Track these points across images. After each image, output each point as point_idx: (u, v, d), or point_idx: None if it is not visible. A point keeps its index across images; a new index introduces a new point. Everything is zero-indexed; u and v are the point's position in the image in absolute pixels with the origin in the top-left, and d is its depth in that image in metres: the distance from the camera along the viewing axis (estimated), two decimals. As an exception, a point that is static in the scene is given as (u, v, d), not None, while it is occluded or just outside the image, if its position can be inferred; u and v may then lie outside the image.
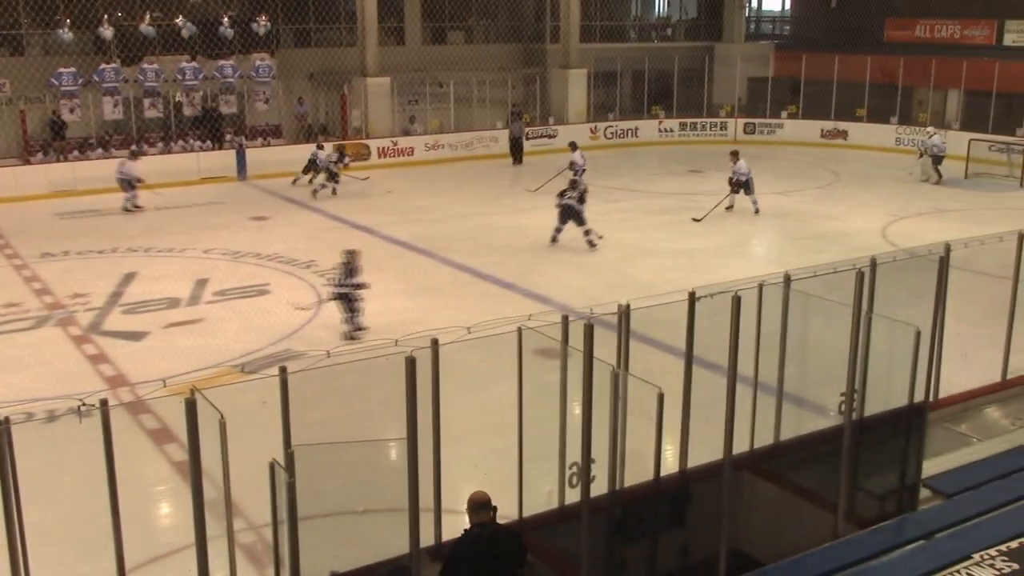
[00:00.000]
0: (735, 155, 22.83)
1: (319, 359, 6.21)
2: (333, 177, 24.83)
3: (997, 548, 6.04)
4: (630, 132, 33.01)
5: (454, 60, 31.71)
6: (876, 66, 32.61)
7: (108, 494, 5.63)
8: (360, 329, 14.03)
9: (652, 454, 7.26)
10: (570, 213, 19.27)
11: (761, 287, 8.08)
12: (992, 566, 5.78)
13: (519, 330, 7.44)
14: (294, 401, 6.26)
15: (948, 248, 9.30)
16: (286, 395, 6.21)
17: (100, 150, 26.83)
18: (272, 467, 5.84)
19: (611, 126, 33.10)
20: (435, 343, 6.53)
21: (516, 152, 30.03)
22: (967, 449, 9.04)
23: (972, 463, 8.42)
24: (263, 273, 17.60)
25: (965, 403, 10.22)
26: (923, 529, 6.94)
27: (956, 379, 10.37)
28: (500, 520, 7.25)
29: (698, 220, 21.75)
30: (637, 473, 7.53)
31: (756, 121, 34.27)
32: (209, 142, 27.94)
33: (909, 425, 8.08)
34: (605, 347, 7.55)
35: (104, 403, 5.51)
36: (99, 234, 20.76)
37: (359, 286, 14.03)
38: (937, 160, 26.52)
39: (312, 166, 25.29)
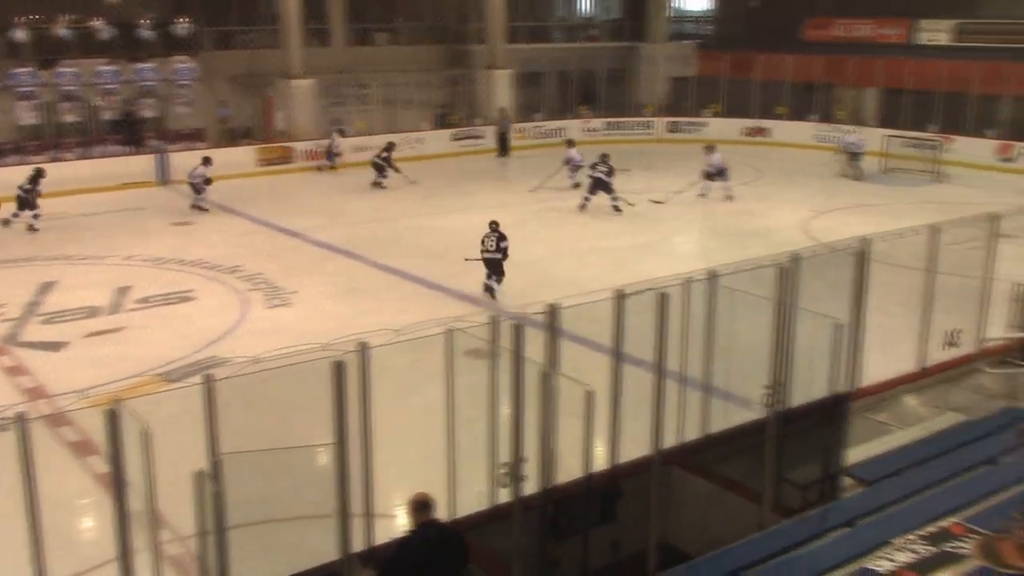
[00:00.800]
0: (710, 148, 24.61)
1: (245, 366, 6.16)
2: (380, 170, 25.82)
3: (916, 532, 6.19)
4: (556, 132, 33.16)
5: (379, 61, 31.55)
6: (796, 65, 33.27)
7: (28, 509, 5.49)
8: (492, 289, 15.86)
9: (582, 452, 7.32)
10: (600, 184, 22.54)
11: (687, 284, 8.23)
12: (911, 550, 5.93)
13: (448, 332, 7.45)
14: (220, 409, 6.17)
15: (867, 242, 9.54)
16: (211, 403, 6.11)
17: (16, 156, 26.09)
18: (198, 476, 5.76)
19: (538, 126, 33.24)
20: (364, 347, 6.50)
21: (503, 145, 31.72)
22: (887, 437, 9.26)
23: (892, 451, 8.63)
24: (187, 279, 17.31)
25: (884, 392, 10.49)
26: (846, 516, 7.09)
27: (876, 369, 10.56)
28: (431, 523, 7.26)
29: (659, 202, 23.01)
30: (568, 471, 7.58)
31: (680, 120, 34.71)
32: (129, 146, 27.36)
33: (831, 415, 8.27)
34: (534, 347, 7.58)
35: (22, 416, 5.37)
36: (16, 243, 20.20)
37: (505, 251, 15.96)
38: (855, 157, 27.21)
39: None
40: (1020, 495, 6.30)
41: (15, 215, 21.45)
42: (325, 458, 6.70)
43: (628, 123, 34.42)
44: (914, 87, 30.72)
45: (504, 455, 7.32)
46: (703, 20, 42.88)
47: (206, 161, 23.97)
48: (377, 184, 25.92)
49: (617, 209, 22.33)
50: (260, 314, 15.38)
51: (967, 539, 5.86)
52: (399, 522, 7.64)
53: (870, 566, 5.80)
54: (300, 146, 28.59)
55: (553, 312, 7.91)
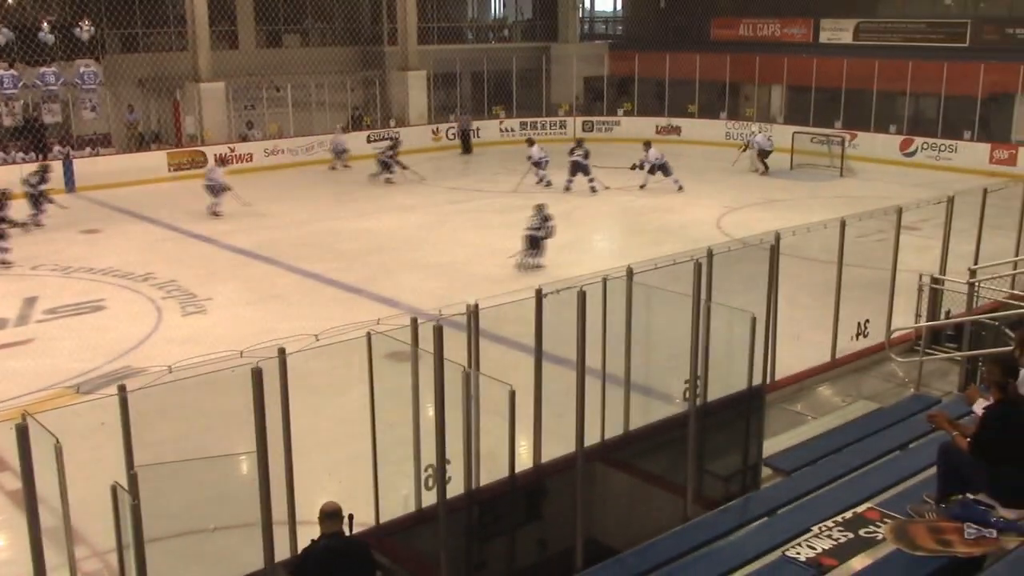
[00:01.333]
0: (647, 145, 25.76)
1: (160, 375, 6.00)
2: (387, 167, 26.35)
3: (833, 519, 6.34)
4: (472, 133, 33.15)
5: (291, 63, 31.10)
6: (704, 64, 33.82)
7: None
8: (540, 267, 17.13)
9: (507, 451, 7.31)
10: (578, 167, 24.73)
11: (605, 281, 8.28)
12: (830, 536, 6.07)
13: (368, 335, 7.39)
14: (135, 420, 6.02)
15: (778, 237, 9.73)
16: (127, 414, 5.97)
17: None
18: (114, 490, 5.61)
19: (452, 127, 33.18)
20: (282, 352, 6.40)
21: (465, 144, 32.14)
22: (803, 427, 9.50)
23: (808, 440, 8.84)
24: (97, 288, 16.84)
25: (799, 383, 10.75)
26: (766, 506, 7.22)
27: (790, 361, 10.87)
28: (357, 527, 7.19)
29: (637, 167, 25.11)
30: (493, 471, 7.58)
31: (594, 119, 35.00)
32: (32, 153, 26.49)
33: (749, 408, 8.43)
34: (456, 347, 7.58)
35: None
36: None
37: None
38: (763, 154, 27.79)
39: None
40: (930, 479, 6.47)
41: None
42: (246, 467, 6.59)
43: (543, 123, 34.57)
44: (819, 85, 31.48)
45: (428, 457, 7.30)
46: (614, 20, 43.33)
47: (222, 161, 24.22)
48: (388, 180, 26.44)
49: (593, 190, 24.84)
50: (175, 322, 15.04)
51: (882, 524, 6.02)
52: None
53: (790, 554, 5.91)
54: (212, 150, 28.05)
55: (473, 312, 7.93)
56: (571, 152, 25.43)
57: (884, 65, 29.95)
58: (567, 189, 24.84)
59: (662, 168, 25.12)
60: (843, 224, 11.04)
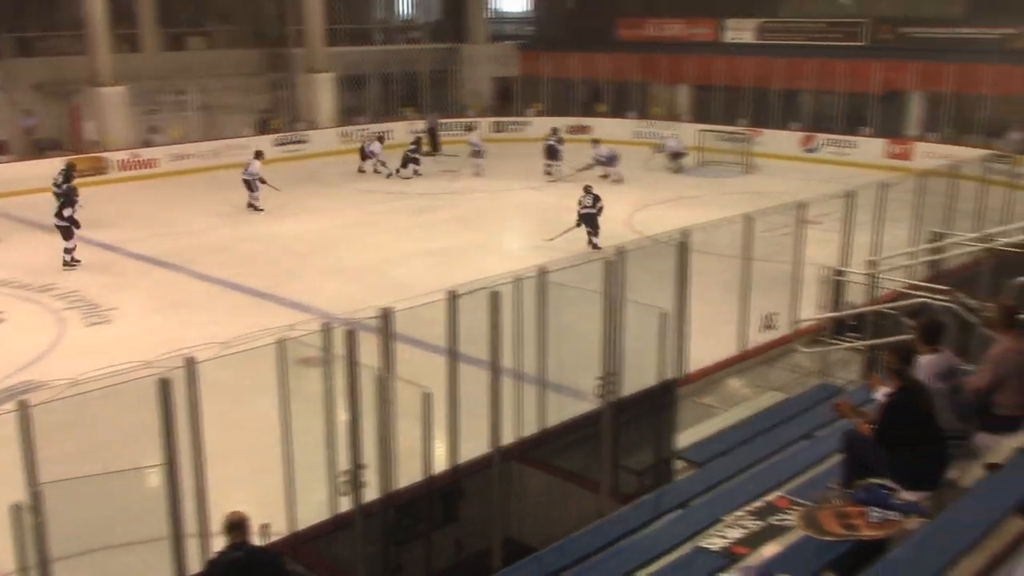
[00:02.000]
0: (596, 142, 27.09)
1: (63, 389, 5.86)
2: (414, 161, 27.51)
3: (744, 509, 6.46)
4: (383, 135, 32.92)
5: (195, 67, 30.47)
6: (612, 64, 34.18)
7: None
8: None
9: (422, 454, 7.31)
10: (552, 152, 27.10)
11: (518, 281, 8.34)
12: (741, 525, 6.19)
13: (280, 341, 7.31)
14: (38, 436, 5.84)
15: (687, 233, 9.91)
16: (28, 430, 5.78)
17: None
18: (15, 509, 5.44)
19: (362, 129, 32.87)
20: (190, 362, 6.29)
21: (433, 143, 32.00)
22: (714, 419, 9.67)
23: (719, 432, 8.94)
24: (-5, 300, 16.30)
25: (710, 376, 10.97)
26: (679, 498, 7.31)
27: (700, 354, 11.05)
28: (273, 536, 7.10)
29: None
30: (409, 474, 7.59)
31: (504, 120, 35.09)
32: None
33: (661, 402, 8.58)
34: (369, 351, 7.56)
35: None
36: None
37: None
38: (676, 156, 28.20)
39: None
40: (835, 466, 6.64)
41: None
42: (156, 479, 6.46)
43: (453, 124, 34.52)
44: (724, 83, 32.08)
45: (343, 463, 7.24)
46: (522, 21, 43.52)
47: (258, 155, 23.97)
48: (417, 173, 27.54)
49: (548, 174, 26.92)
50: (78, 333, 14.64)
51: (791, 512, 6.15)
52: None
53: (704, 544, 6.01)
54: (114, 156, 27.34)
55: (386, 315, 7.89)
56: (547, 139, 27.65)
57: (786, 64, 30.69)
58: (547, 174, 26.82)
59: (611, 161, 26.24)
60: (749, 219, 11.30)
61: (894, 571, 5.18)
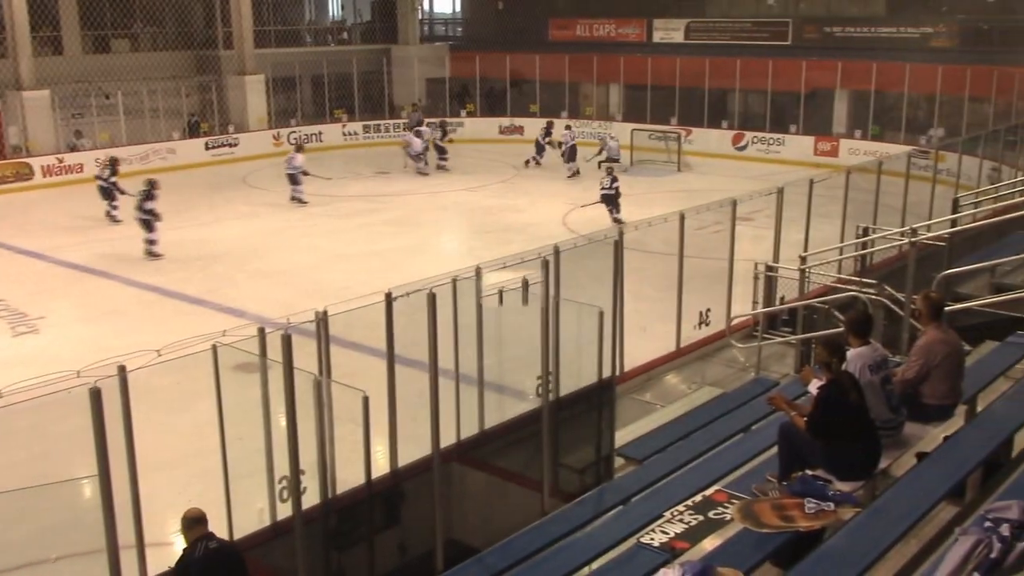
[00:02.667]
0: (568, 127, 28.50)
1: (-10, 400, 5.70)
2: (442, 153, 28.45)
3: (684, 503, 6.54)
4: (314, 137, 32.62)
5: (120, 70, 29.89)
6: (544, 64, 34.34)
7: None
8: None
9: (363, 458, 7.24)
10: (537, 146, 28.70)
11: (455, 281, 8.32)
12: (681, 520, 6.25)
13: (214, 347, 7.20)
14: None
15: (621, 232, 9.99)
16: (-47, 444, 5.63)
17: None
18: (-58, 525, 5.29)
19: (294, 132, 32.53)
20: (122, 370, 6.17)
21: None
22: (653, 416, 9.74)
23: (658, 428, 9.07)
24: (-85, 311, 15.80)
25: (647, 373, 11.05)
26: (620, 495, 7.38)
27: (638, 352, 11.18)
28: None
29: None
30: (349, 479, 7.51)
31: (437, 120, 34.98)
32: None
33: (600, 400, 8.59)
34: (306, 356, 7.47)
35: None
36: None
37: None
38: (611, 160, 28.11)
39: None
40: (772, 459, 6.75)
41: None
42: (89, 491, 6.33)
43: (386, 126, 34.35)
44: (654, 83, 32.37)
45: (282, 469, 7.16)
46: (453, 22, 43.48)
47: (299, 148, 24.48)
48: (441, 167, 28.48)
49: (526, 164, 28.72)
50: (4, 343, 14.27)
51: (729, 505, 6.23)
52: (175, 549, 7.29)
53: (645, 540, 6.06)
54: (38, 161, 26.67)
55: (322, 319, 7.82)
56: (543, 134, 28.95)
57: (714, 63, 31.10)
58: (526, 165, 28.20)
59: (571, 152, 27.24)
60: (682, 217, 11.42)
61: (830, 561, 5.27)
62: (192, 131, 30.61)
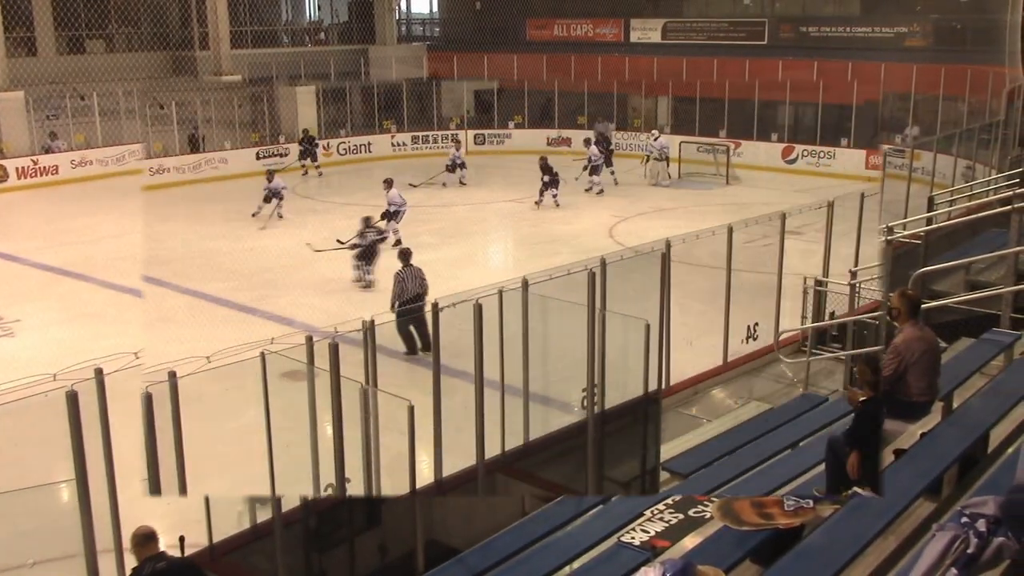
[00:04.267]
0: (587, 142, 28.81)
1: (-35, 405, 6.22)
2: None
3: (663, 502, 7.16)
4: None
5: (96, 71, 31.07)
6: (522, 64, 36.09)
7: None
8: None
9: (407, 467, 7.86)
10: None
11: (501, 293, 9.08)
12: (662, 519, 6.84)
13: (262, 355, 7.94)
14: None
15: (668, 244, 10.83)
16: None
17: None
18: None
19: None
20: (99, 373, 6.81)
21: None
22: (699, 430, 10.49)
23: (704, 443, 9.66)
24: None
25: (694, 387, 11.86)
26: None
27: (684, 366, 11.91)
28: (190, 548, 7.65)
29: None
30: (394, 487, 8.35)
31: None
32: None
33: (646, 413, 9.42)
34: (353, 364, 8.33)
35: None
36: None
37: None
38: (667, 162, 29.44)
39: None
40: (818, 476, 7.31)
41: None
42: (67, 495, 6.98)
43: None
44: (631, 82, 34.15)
45: (328, 476, 7.94)
46: (431, 22, 45.02)
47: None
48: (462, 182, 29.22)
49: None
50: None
51: (709, 504, 6.94)
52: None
53: (625, 539, 6.72)
54: (13, 163, 27.89)
55: (369, 328, 8.58)
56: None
57: (691, 63, 33.22)
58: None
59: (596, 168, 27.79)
60: (730, 230, 12.26)
61: (809, 557, 5.66)
62: (193, 146, 31.64)
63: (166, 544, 6.84)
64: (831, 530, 5.90)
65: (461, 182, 29.32)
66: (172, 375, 7.31)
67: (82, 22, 33.64)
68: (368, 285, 18.22)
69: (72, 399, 6.37)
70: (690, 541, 6.37)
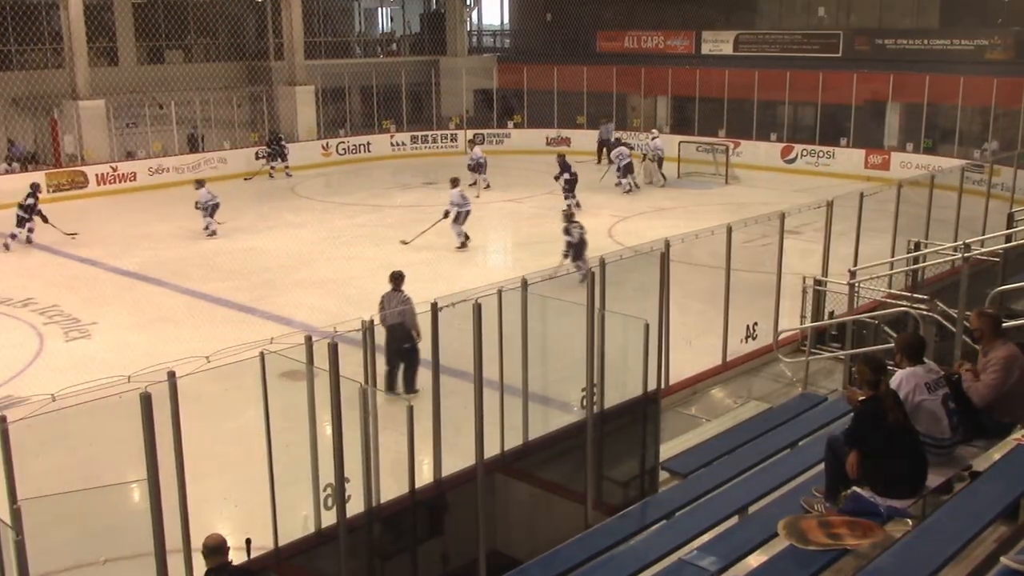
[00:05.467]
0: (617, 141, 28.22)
1: (44, 404, 5.80)
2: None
3: (730, 519, 6.46)
4: (362, 147, 32.93)
5: (174, 80, 30.37)
6: (592, 76, 34.34)
7: None
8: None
9: (407, 467, 7.23)
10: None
11: (500, 292, 8.32)
12: (726, 537, 6.18)
13: (262, 354, 7.26)
14: (17, 452, 5.79)
15: (668, 244, 9.95)
16: (7, 446, 5.73)
17: None
18: (-5, 526, 5.39)
19: (343, 142, 32.88)
20: (172, 376, 6.25)
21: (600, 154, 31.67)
22: (698, 429, 9.71)
23: (703, 442, 8.98)
24: (-27, 316, 16.14)
25: (693, 387, 11.01)
26: (664, 510, 7.31)
27: (683, 365, 11.12)
28: (256, 551, 7.06)
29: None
30: (393, 488, 7.51)
31: (484, 131, 35.13)
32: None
33: (645, 413, 8.53)
34: (352, 364, 7.55)
35: None
36: None
37: None
38: (660, 163, 28.14)
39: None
40: (819, 475, 6.67)
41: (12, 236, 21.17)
42: (137, 495, 6.41)
43: (434, 136, 34.57)
44: (701, 94, 32.29)
45: (327, 477, 7.21)
46: (501, 34, 43.67)
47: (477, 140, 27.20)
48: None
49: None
50: (58, 348, 14.53)
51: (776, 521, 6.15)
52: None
53: (688, 556, 6.01)
54: (92, 170, 27.20)
55: (368, 328, 7.87)
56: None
57: (763, 75, 30.89)
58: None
59: (628, 168, 26.53)
60: (729, 230, 11.37)
61: None
62: (192, 147, 30.47)
63: (233, 545, 6.51)
64: (899, 553, 5.40)
65: (486, 184, 27.22)
66: (171, 375, 6.43)
67: (162, 32, 32.87)
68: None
69: (146, 401, 5.93)
70: (755, 559, 5.88)
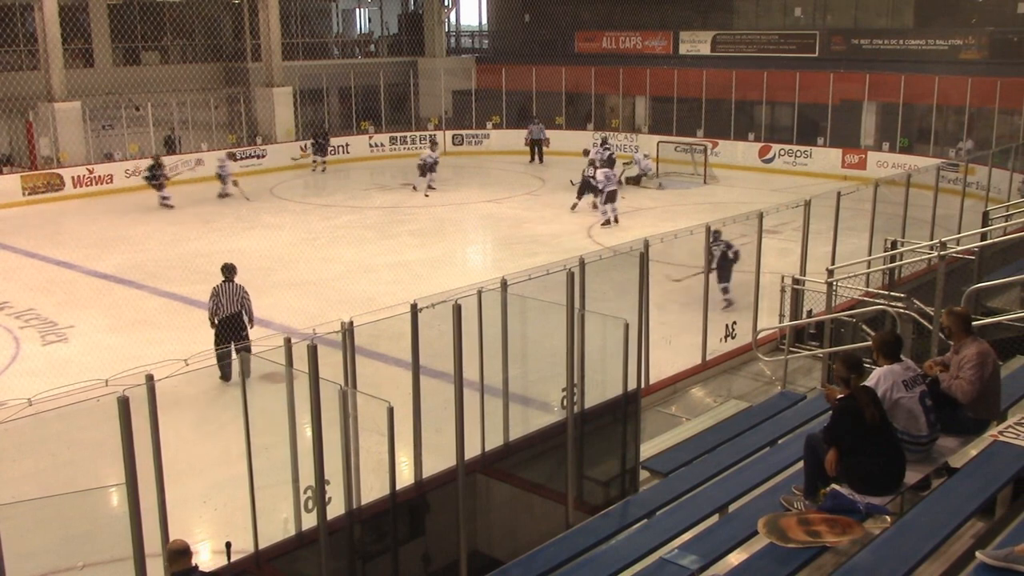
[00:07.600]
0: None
1: (20, 408, 5.74)
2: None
3: (710, 518, 6.46)
4: (341, 148, 32.81)
5: (150, 82, 30.18)
6: (570, 76, 34.37)
7: None
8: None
9: (387, 468, 7.19)
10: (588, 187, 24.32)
11: (480, 293, 8.30)
12: (706, 535, 6.19)
13: (240, 356, 7.25)
14: (-7, 457, 5.75)
15: (647, 244, 9.94)
16: (-17, 451, 5.68)
17: None
18: (-29, 532, 5.33)
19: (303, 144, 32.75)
20: (150, 379, 6.21)
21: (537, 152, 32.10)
22: (678, 429, 9.65)
23: (683, 441, 8.98)
24: (-53, 320, 15.98)
25: (673, 386, 10.99)
26: (645, 509, 7.32)
27: (663, 365, 11.13)
28: (235, 554, 7.02)
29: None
30: (374, 489, 7.50)
31: (463, 132, 35.11)
32: None
33: (626, 412, 8.51)
34: (332, 366, 7.47)
35: None
36: None
37: None
38: (639, 177, 27.79)
39: None
40: (796, 473, 6.69)
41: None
42: (116, 499, 6.36)
43: (412, 137, 34.48)
44: (680, 95, 32.37)
45: (307, 479, 7.17)
46: (480, 35, 43.62)
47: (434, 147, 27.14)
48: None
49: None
50: (35, 352, 14.40)
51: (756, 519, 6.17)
52: (202, 557, 7.32)
53: (669, 555, 6.01)
54: (69, 172, 26.97)
55: (348, 330, 7.82)
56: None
57: (740, 75, 31.01)
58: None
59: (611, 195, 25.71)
60: (708, 229, 11.37)
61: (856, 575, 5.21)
62: (170, 148, 30.14)
63: (212, 550, 6.63)
64: (878, 549, 5.44)
65: (430, 186, 26.63)
66: (149, 378, 6.37)
67: (138, 34, 32.68)
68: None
69: (123, 404, 5.83)
70: (735, 558, 5.87)
